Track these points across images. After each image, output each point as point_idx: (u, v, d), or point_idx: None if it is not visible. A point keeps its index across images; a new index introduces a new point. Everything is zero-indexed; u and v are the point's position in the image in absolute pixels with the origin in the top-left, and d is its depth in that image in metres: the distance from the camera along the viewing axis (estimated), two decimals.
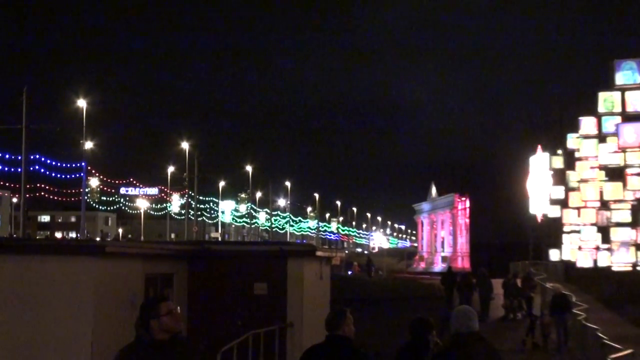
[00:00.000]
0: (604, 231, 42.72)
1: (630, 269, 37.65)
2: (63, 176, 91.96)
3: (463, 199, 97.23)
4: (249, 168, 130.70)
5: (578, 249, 49.35)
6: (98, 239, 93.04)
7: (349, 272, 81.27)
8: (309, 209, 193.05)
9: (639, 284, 36.65)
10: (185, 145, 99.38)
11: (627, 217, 37.66)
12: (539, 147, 71.26)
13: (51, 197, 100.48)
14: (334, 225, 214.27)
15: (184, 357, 7.55)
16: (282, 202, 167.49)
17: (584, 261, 47.92)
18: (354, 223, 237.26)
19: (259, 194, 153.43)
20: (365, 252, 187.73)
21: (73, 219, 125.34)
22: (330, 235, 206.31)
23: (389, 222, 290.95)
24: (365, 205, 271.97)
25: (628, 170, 35.79)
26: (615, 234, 39.16)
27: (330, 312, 9.23)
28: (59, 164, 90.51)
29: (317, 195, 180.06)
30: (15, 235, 79.26)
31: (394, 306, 44.72)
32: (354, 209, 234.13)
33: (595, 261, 45.87)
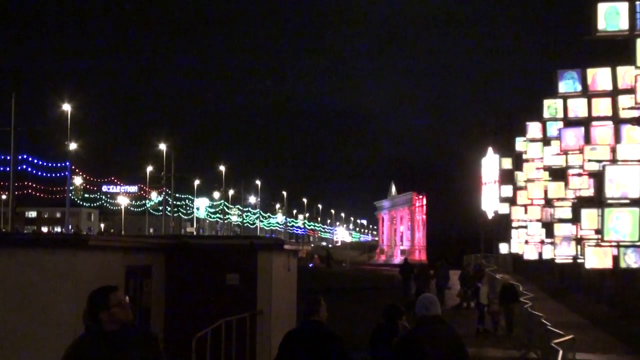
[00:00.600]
0: (548, 227, 43.02)
1: (571, 261, 37.94)
2: (49, 175, 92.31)
3: (420, 197, 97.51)
4: (222, 168, 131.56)
5: (525, 242, 49.63)
6: (85, 232, 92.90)
7: (310, 265, 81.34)
8: (278, 205, 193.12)
9: (579, 275, 37.02)
10: (162, 147, 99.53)
11: (568, 214, 37.95)
12: (490, 149, 71.87)
13: (38, 194, 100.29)
14: (300, 221, 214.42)
15: (136, 347, 7.07)
16: (252, 199, 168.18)
17: (530, 254, 48.26)
18: (319, 219, 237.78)
19: (231, 192, 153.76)
20: (329, 245, 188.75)
21: (58, 215, 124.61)
22: (297, 230, 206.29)
23: (352, 218, 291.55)
24: (330, 202, 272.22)
25: (569, 171, 36.06)
26: (558, 229, 39.42)
27: (307, 300, 9.70)
28: (45, 164, 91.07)
29: (285, 193, 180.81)
30: (4, 230, 78.76)
31: (357, 295, 45.01)
32: (320, 206, 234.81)
33: (540, 254, 46.19)
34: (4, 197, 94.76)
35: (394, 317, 10.76)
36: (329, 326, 9.50)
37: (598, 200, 27.70)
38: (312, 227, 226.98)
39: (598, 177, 28.07)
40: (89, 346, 6.90)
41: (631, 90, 24.74)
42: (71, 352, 6.94)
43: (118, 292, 7.18)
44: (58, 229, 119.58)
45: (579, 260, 34.65)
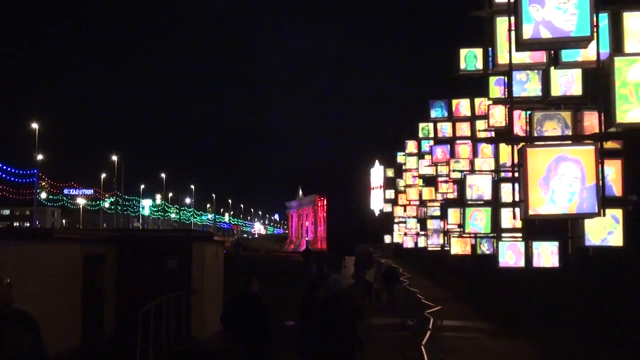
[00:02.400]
0: (422, 222, 43.53)
1: (439, 249, 38.50)
2: (20, 180, 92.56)
3: (322, 198, 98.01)
4: (163, 175, 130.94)
5: (404, 234, 50.19)
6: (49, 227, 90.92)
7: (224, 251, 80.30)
8: (208, 205, 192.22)
9: (446, 259, 37.57)
10: (114, 158, 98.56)
11: (437, 212, 38.51)
12: (377, 161, 72.55)
13: (10, 195, 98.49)
14: (227, 217, 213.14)
15: (16, 328, 6.10)
16: (188, 200, 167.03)
17: (408, 243, 48.82)
18: (241, 215, 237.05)
19: (170, 194, 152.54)
20: (244, 236, 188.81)
21: (27, 212, 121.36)
22: (224, 225, 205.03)
23: (267, 215, 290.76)
24: (250, 202, 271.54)
25: (438, 179, 36.59)
26: (430, 224, 39.91)
27: (245, 277, 11.14)
28: (16, 171, 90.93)
29: (214, 195, 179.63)
30: None
31: (272, 275, 44.85)
32: (242, 205, 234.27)
33: (416, 243, 46.72)
34: None
35: (313, 290, 12.40)
36: (259, 294, 11.05)
37: (460, 202, 28.15)
38: (235, 222, 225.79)
39: (460, 184, 28.53)
40: None
41: (485, 117, 25.26)
42: None
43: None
44: (27, 224, 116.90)
45: (445, 248, 35.16)
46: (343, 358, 10.48)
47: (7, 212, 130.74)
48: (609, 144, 14.16)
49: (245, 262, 53.60)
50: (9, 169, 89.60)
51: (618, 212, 15.10)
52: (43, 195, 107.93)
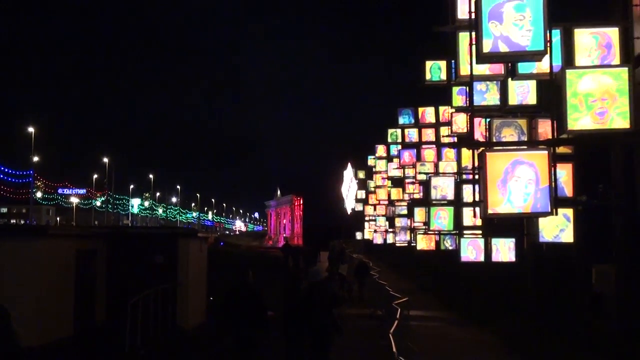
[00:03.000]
0: (390, 220, 43.69)
1: (406, 245, 38.65)
2: (16, 180, 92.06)
3: (299, 198, 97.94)
4: (151, 176, 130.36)
5: (374, 231, 50.36)
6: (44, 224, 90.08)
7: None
8: (193, 204, 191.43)
9: (412, 254, 37.57)
10: (105, 160, 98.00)
11: (405, 211, 38.66)
12: (349, 164, 72.56)
13: (8, 195, 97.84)
14: (210, 215, 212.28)
15: None
16: (174, 199, 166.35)
17: (378, 240, 48.97)
18: (223, 214, 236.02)
19: (158, 194, 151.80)
20: (226, 232, 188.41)
21: (24, 210, 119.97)
22: (207, 222, 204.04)
23: (248, 213, 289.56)
24: (232, 201, 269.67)
25: (406, 180, 36.75)
26: (398, 222, 40.08)
27: (242, 270, 11.64)
28: (12, 171, 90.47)
29: (198, 195, 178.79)
30: None
31: (255, 268, 44.61)
32: (224, 204, 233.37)
33: (385, 239, 46.87)
34: None
35: (295, 281, 13.18)
36: (254, 284, 11.48)
37: (426, 201, 28.26)
38: (218, 220, 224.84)
39: (426, 185, 28.63)
40: None
41: (449, 123, 25.41)
42: None
43: None
44: (23, 222, 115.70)
45: (412, 244, 35.27)
46: (323, 339, 11.20)
47: (4, 210, 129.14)
48: (561, 149, 14.31)
49: (227, 256, 53.45)
50: (6, 169, 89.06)
51: (569, 212, 15.29)
52: (38, 194, 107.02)
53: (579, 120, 10.29)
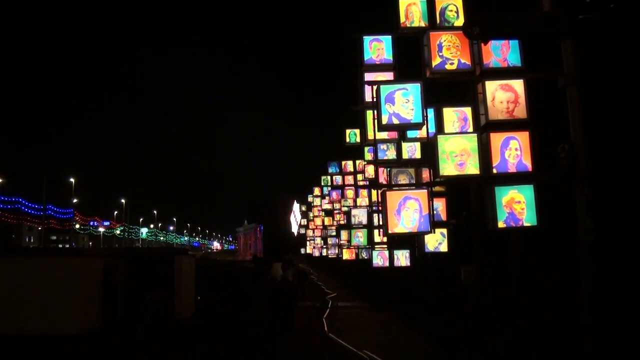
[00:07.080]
0: (324, 239, 43.70)
1: (336, 256, 38.65)
2: (62, 216, 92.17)
3: (259, 226, 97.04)
4: (155, 211, 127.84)
5: (313, 247, 50.28)
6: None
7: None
8: (185, 230, 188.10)
9: (340, 263, 37.54)
10: (123, 200, 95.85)
11: (334, 233, 38.75)
12: (295, 200, 72.58)
13: (57, 227, 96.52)
14: (197, 238, 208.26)
15: None
16: (171, 227, 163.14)
17: (316, 253, 48.88)
18: (206, 237, 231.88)
19: (160, 224, 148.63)
20: (208, 250, 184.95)
21: (67, 237, 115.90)
22: (195, 244, 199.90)
23: (223, 236, 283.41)
24: (212, 226, 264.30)
25: (334, 212, 37.00)
26: (329, 240, 40.19)
27: (235, 276, 14.19)
28: (60, 209, 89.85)
29: (189, 224, 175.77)
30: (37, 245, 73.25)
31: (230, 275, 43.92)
32: (207, 230, 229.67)
33: (321, 253, 46.71)
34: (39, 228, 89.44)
35: (275, 278, 14.86)
36: (243, 285, 14.43)
37: (348, 226, 28.52)
38: (203, 242, 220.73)
39: (348, 214, 28.94)
40: None
41: (362, 172, 25.89)
42: None
43: None
44: (67, 246, 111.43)
45: (339, 256, 35.36)
46: (288, 308, 14.25)
47: (54, 237, 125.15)
48: (437, 188, 14.77)
49: (209, 268, 52.56)
50: (55, 208, 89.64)
51: (444, 230, 15.71)
52: (77, 226, 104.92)
53: (447, 169, 10.59)
